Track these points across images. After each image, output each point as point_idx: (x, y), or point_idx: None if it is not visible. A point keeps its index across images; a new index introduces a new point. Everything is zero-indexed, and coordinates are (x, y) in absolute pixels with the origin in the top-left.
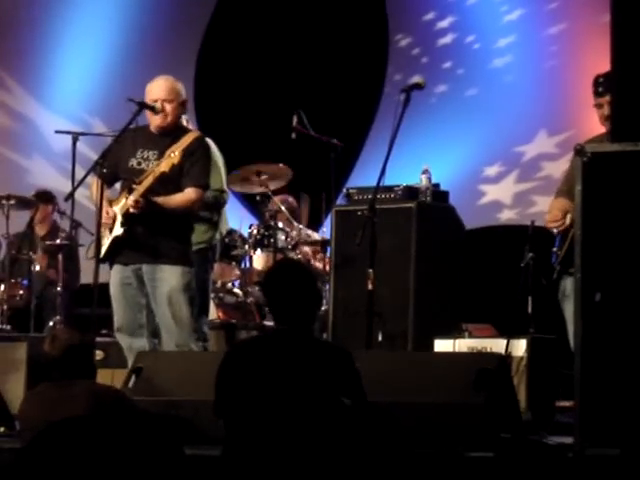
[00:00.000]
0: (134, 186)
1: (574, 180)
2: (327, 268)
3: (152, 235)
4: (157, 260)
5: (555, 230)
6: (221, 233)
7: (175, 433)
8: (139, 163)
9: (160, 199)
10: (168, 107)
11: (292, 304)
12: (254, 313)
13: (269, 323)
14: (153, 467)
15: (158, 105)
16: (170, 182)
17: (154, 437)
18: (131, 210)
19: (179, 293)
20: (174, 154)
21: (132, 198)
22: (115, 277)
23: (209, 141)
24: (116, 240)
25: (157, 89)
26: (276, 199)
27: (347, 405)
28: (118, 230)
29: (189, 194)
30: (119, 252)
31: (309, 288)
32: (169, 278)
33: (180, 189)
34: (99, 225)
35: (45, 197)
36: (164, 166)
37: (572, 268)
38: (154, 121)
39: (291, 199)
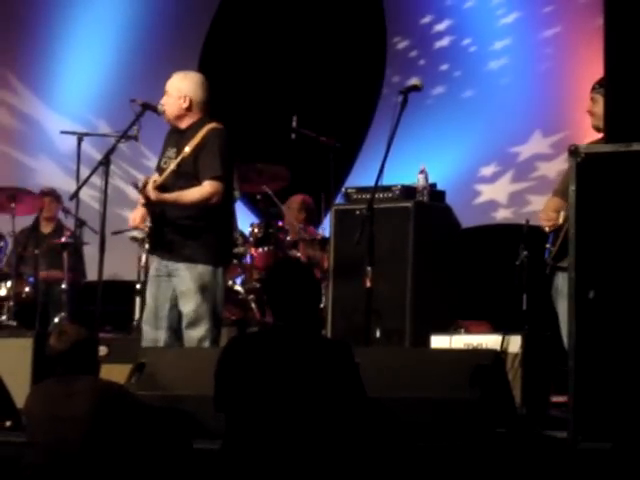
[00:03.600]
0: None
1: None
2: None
3: (174, 234)
4: (179, 258)
5: (547, 228)
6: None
7: (182, 426)
8: (165, 162)
9: (169, 195)
10: (165, 101)
11: (291, 301)
12: (255, 310)
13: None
14: (162, 459)
15: (160, 107)
16: (181, 177)
17: (161, 430)
18: (140, 205)
19: (195, 292)
20: (187, 149)
21: (141, 201)
22: (152, 267)
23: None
24: (151, 232)
25: (168, 81)
26: (296, 199)
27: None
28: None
29: (203, 187)
30: (157, 245)
31: (308, 286)
32: (186, 277)
33: (193, 183)
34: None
35: (51, 196)
36: (176, 163)
37: (562, 262)
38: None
39: (309, 199)
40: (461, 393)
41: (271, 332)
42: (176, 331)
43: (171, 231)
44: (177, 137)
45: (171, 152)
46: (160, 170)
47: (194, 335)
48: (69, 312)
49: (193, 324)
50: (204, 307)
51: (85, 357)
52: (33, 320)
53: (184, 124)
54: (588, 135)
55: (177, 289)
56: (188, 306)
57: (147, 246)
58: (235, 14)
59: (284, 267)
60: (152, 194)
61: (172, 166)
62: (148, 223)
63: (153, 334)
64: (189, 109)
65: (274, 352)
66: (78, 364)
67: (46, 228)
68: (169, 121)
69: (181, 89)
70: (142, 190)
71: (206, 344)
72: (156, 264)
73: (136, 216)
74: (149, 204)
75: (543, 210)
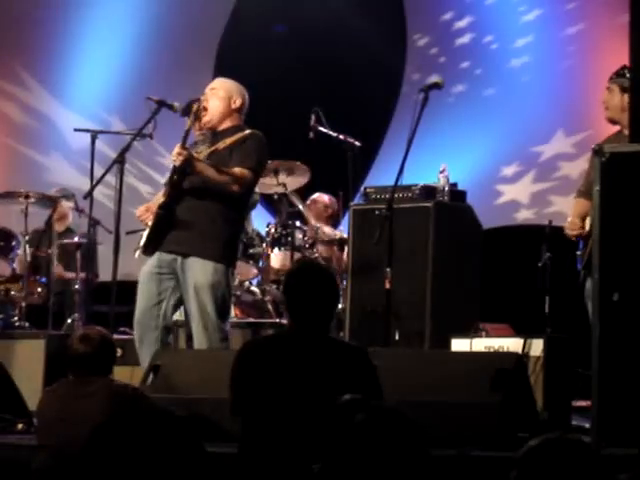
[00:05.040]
0: None
1: (593, 180)
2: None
3: (188, 223)
4: (189, 253)
5: (572, 238)
6: (247, 232)
7: (196, 430)
8: None
9: (201, 163)
10: (211, 98)
11: (311, 305)
12: (271, 311)
13: (286, 322)
14: (174, 465)
15: (177, 104)
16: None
17: (175, 435)
18: (173, 160)
19: (206, 289)
20: (221, 144)
21: (176, 150)
22: (148, 264)
23: None
24: (158, 216)
25: (212, 82)
26: (321, 198)
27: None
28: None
29: (232, 171)
30: (160, 240)
31: (328, 290)
32: (197, 273)
33: None
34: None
35: (64, 195)
36: (205, 155)
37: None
38: (201, 119)
39: (331, 199)
40: (482, 397)
41: (288, 335)
42: (168, 327)
43: (186, 219)
44: (210, 138)
45: (201, 148)
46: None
47: (202, 334)
48: (82, 313)
49: (204, 324)
50: (215, 306)
51: (105, 360)
52: (45, 321)
53: (223, 125)
54: (611, 134)
55: (186, 286)
56: (199, 305)
57: (143, 240)
58: (252, 12)
59: (305, 270)
60: (186, 154)
61: (202, 157)
62: (158, 204)
63: (149, 336)
64: (236, 111)
65: (291, 356)
66: (97, 366)
67: (59, 227)
68: (207, 121)
69: (232, 90)
70: (182, 145)
71: (214, 343)
72: (155, 261)
73: (141, 208)
74: (182, 155)
75: (570, 215)
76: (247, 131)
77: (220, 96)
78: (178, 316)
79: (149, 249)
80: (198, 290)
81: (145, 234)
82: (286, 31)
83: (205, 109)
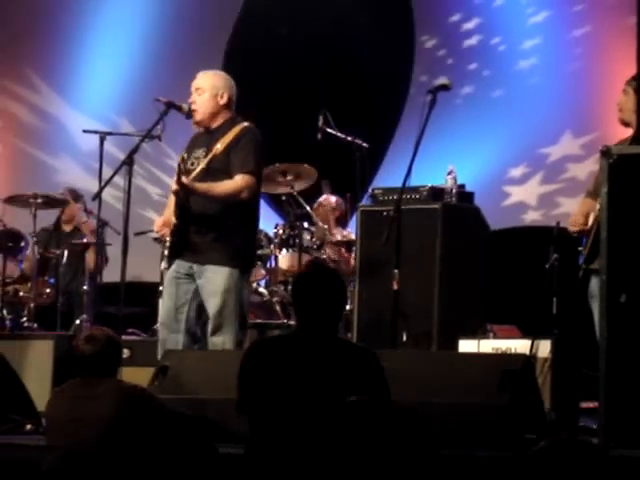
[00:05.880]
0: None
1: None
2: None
3: (201, 235)
4: (205, 260)
5: (574, 234)
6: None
7: (206, 432)
8: (192, 164)
9: (201, 185)
10: (198, 99)
11: (318, 307)
12: (279, 312)
13: (294, 323)
14: (186, 465)
15: (185, 106)
16: (211, 174)
17: (187, 436)
18: (173, 195)
19: (223, 294)
20: (218, 146)
21: (173, 187)
22: (170, 269)
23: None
24: (174, 232)
25: (195, 80)
26: (328, 199)
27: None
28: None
29: (235, 181)
30: (179, 252)
31: (335, 292)
32: (214, 278)
33: (222, 179)
34: (171, 233)
35: (72, 196)
36: (206, 161)
37: (594, 264)
38: (193, 119)
39: (338, 201)
40: (490, 398)
41: (295, 336)
42: (194, 334)
43: (199, 232)
44: (205, 138)
45: (199, 152)
46: (186, 172)
47: (219, 340)
48: (91, 314)
49: (219, 328)
50: (230, 310)
51: (111, 360)
52: (54, 322)
53: (216, 122)
54: (619, 136)
55: (203, 292)
56: (214, 309)
57: (166, 252)
58: (259, 13)
59: (312, 272)
60: (185, 179)
61: (202, 164)
62: (172, 225)
63: (172, 337)
64: (226, 106)
65: (298, 356)
66: (103, 367)
67: (67, 227)
68: (200, 121)
69: (217, 86)
70: (178, 177)
71: (229, 347)
72: (175, 266)
73: (158, 223)
74: (181, 190)
75: (573, 214)
76: (240, 125)
77: (208, 94)
78: None
79: (173, 261)
80: (213, 295)
81: (167, 250)
82: (287, 33)
83: (194, 110)
